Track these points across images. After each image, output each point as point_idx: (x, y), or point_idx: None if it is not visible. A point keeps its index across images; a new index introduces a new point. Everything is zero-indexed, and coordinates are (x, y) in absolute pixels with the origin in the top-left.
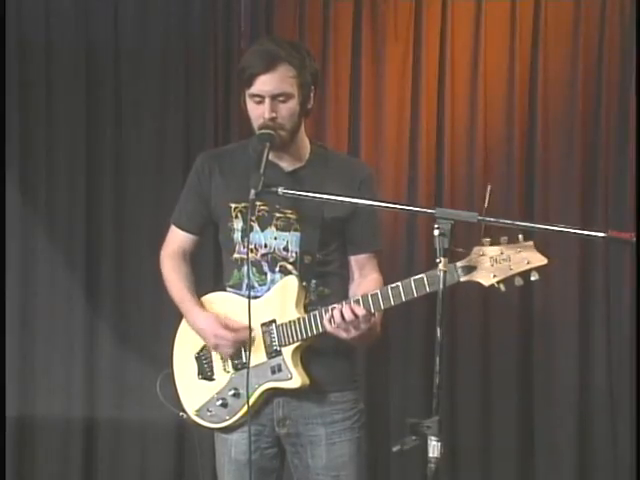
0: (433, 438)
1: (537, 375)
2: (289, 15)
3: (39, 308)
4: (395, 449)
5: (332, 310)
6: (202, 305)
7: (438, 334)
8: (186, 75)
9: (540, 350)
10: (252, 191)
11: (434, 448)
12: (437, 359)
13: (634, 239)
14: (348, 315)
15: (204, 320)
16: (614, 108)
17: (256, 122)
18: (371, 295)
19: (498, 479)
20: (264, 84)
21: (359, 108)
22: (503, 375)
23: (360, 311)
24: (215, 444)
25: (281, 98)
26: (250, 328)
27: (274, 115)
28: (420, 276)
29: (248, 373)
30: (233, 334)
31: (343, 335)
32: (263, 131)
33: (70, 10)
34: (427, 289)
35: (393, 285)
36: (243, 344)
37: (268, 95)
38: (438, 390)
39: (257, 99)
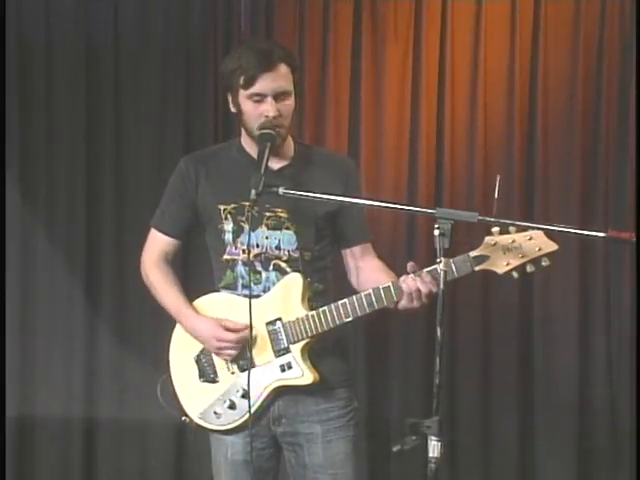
0: (433, 438)
1: (537, 375)
2: (289, 15)
3: (39, 308)
4: (395, 449)
5: (406, 279)
6: (197, 310)
7: (438, 334)
8: (186, 75)
9: (540, 350)
10: (252, 191)
11: (434, 448)
12: (437, 359)
13: (634, 239)
14: (425, 287)
15: (204, 325)
16: (614, 108)
17: (256, 122)
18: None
19: (498, 479)
20: (267, 82)
21: (359, 108)
22: (503, 375)
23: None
24: (211, 445)
25: (282, 96)
26: (251, 327)
27: (278, 113)
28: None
29: (249, 373)
30: (235, 335)
31: (412, 304)
32: (265, 131)
33: (70, 10)
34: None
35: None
36: (245, 345)
37: (271, 94)
38: (438, 390)
39: (257, 98)
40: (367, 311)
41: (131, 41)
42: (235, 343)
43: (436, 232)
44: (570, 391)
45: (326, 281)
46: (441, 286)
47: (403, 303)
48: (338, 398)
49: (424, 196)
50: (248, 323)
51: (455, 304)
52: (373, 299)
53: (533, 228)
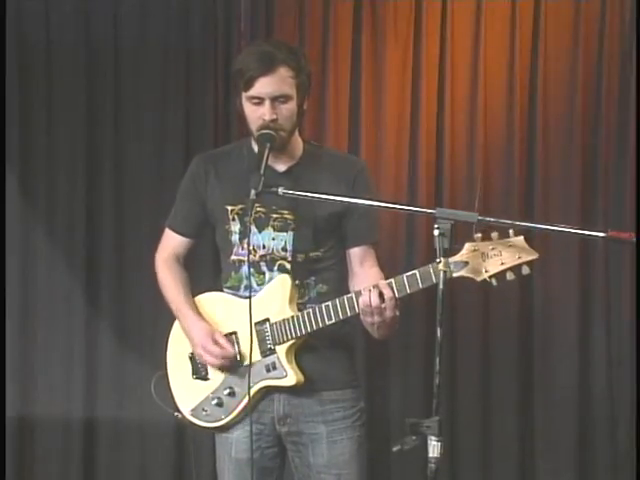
0: (433, 438)
1: (537, 375)
2: (289, 15)
3: (39, 308)
4: (395, 449)
5: (357, 294)
6: (198, 311)
7: (438, 334)
8: (186, 75)
9: (540, 350)
10: (252, 192)
11: (434, 448)
12: (437, 359)
13: (634, 239)
14: (375, 300)
15: (198, 330)
16: (614, 108)
17: (255, 124)
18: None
19: (498, 479)
20: (264, 86)
21: (359, 108)
22: (503, 375)
23: (388, 293)
24: (216, 443)
25: (281, 99)
26: (251, 328)
27: (275, 117)
28: (426, 268)
29: (249, 372)
30: (220, 350)
31: (368, 320)
32: (263, 132)
33: (70, 10)
34: (420, 285)
35: (409, 273)
36: (229, 361)
37: (268, 97)
38: (438, 390)
39: (256, 101)
40: (349, 314)
41: (131, 41)
42: (218, 359)
43: (436, 232)
44: (570, 391)
45: (330, 283)
46: (440, 286)
47: (361, 316)
48: (344, 399)
49: (424, 195)
50: (235, 345)
51: (455, 304)
52: (355, 302)
53: (533, 228)
